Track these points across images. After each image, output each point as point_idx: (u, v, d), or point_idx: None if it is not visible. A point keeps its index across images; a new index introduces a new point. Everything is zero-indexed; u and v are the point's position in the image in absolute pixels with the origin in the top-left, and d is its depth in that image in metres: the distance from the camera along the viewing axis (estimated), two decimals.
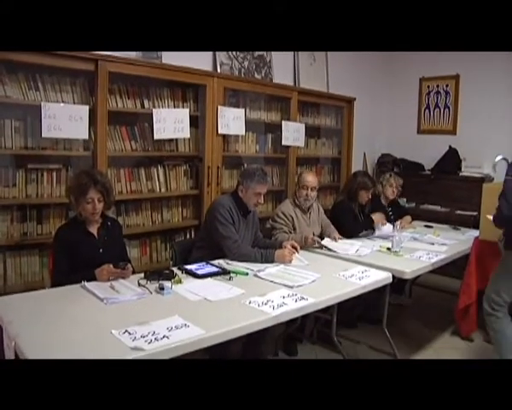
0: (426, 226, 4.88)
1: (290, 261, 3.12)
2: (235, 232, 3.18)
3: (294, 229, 3.80)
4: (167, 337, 1.89)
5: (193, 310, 2.23)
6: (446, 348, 3.90)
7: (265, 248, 3.26)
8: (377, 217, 4.22)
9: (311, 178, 3.86)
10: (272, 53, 4.86)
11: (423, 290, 5.24)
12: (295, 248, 3.29)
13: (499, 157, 4.31)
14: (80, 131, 3.25)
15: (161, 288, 2.44)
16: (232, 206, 3.24)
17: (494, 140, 5.70)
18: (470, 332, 4.00)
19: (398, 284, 4.74)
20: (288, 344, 3.67)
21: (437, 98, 6.41)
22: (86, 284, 2.46)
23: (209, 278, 2.72)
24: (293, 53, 5.19)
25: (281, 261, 3.10)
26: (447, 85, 6.29)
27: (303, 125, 4.88)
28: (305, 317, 3.51)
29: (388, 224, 4.27)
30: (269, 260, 3.10)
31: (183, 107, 3.98)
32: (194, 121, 4.03)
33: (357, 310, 4.02)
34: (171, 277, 2.60)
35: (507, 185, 2.80)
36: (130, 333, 1.91)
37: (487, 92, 5.82)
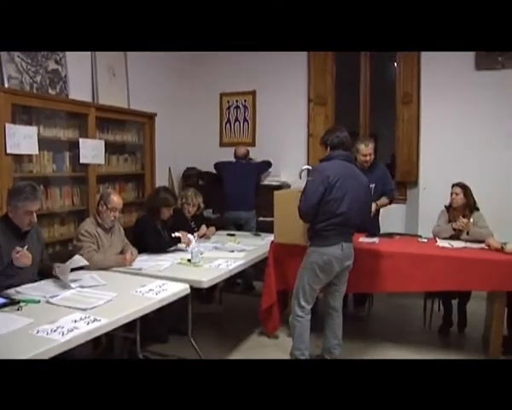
0: (228, 235, 5.11)
1: None
2: None
3: (98, 248, 3.71)
4: None
5: None
6: (254, 347, 4.14)
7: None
8: (186, 239, 4.26)
9: (119, 200, 3.84)
10: (68, 67, 4.68)
11: (235, 297, 5.55)
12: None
13: (305, 166, 4.85)
14: None
15: None
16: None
17: (288, 149, 6.27)
18: (275, 330, 4.27)
19: (207, 293, 4.91)
20: None
21: (237, 112, 6.79)
22: None
23: None
24: (91, 68, 5.06)
25: None
26: (245, 100, 6.70)
27: (102, 142, 4.78)
28: (111, 338, 3.46)
29: (192, 236, 4.39)
30: None
31: None
32: None
33: (166, 324, 4.05)
34: None
35: (306, 185, 3.41)
36: None
37: (280, 106, 6.35)
